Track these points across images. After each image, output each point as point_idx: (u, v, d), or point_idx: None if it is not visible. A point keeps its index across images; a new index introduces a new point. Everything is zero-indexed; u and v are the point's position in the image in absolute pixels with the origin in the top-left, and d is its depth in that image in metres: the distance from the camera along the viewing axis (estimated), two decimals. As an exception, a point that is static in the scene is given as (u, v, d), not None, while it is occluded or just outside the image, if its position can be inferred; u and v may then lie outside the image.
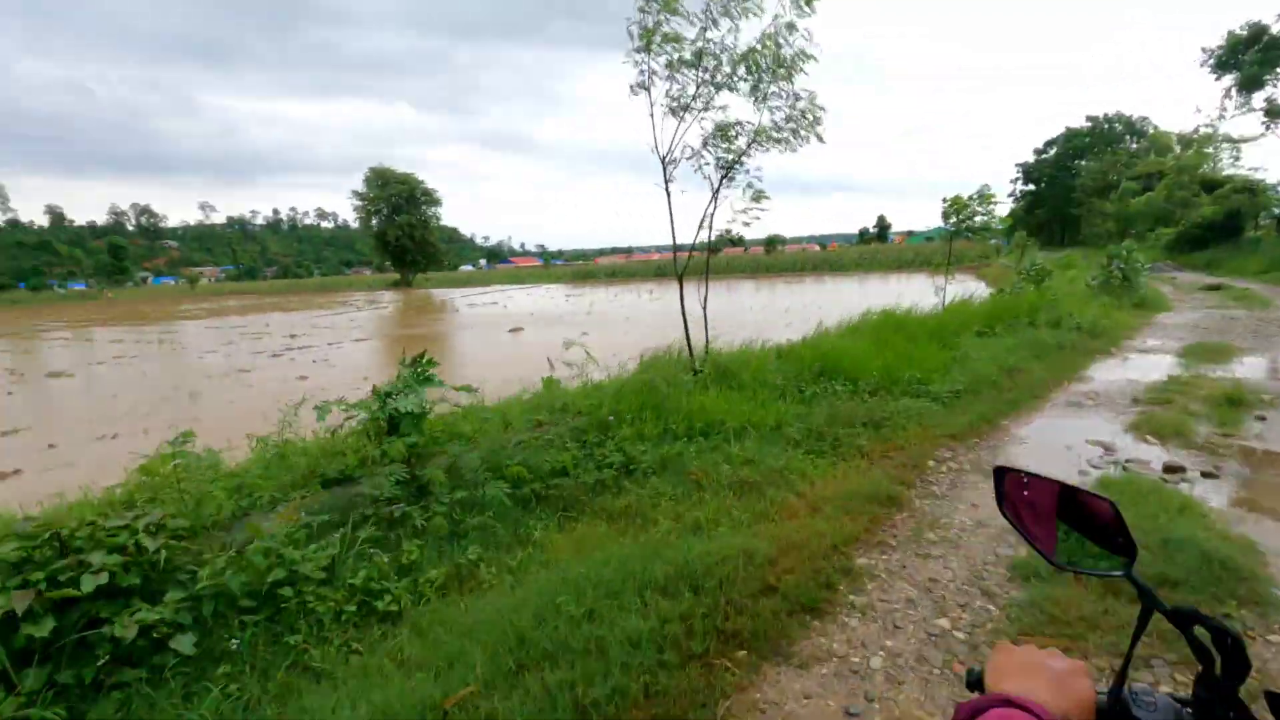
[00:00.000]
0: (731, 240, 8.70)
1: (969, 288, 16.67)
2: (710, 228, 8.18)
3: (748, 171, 7.92)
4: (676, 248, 8.43)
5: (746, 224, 8.13)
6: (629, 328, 23.81)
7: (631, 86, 7.60)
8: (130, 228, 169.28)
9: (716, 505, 4.48)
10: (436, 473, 4.15)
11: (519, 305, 37.10)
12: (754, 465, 5.15)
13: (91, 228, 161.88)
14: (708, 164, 7.96)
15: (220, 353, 23.56)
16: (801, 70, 7.44)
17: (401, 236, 59.50)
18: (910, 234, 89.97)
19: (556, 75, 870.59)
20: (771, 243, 71.16)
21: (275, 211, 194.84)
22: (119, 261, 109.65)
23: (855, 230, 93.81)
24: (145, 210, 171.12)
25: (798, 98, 7.52)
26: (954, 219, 11.00)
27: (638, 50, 7.34)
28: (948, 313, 10.81)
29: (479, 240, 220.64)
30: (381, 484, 4.09)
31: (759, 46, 7.27)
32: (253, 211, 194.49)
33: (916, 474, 5.15)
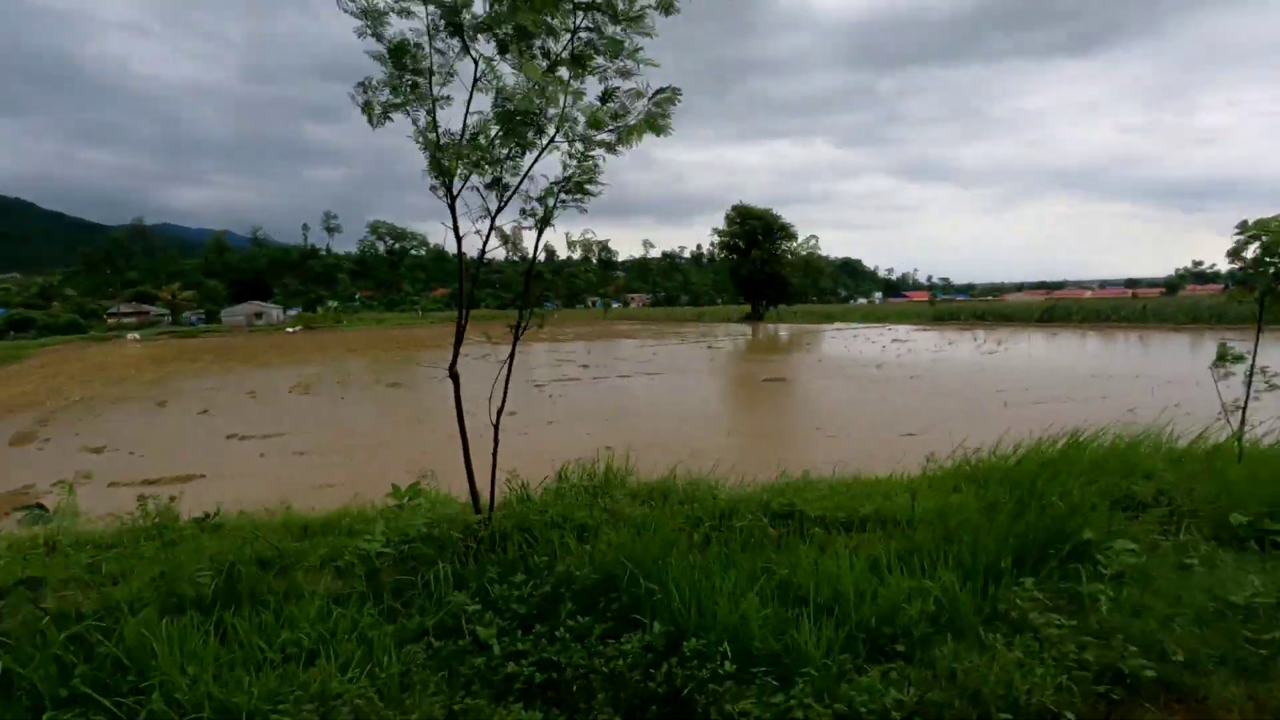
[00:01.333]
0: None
1: None
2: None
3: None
4: (460, 287, 5.37)
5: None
6: (873, 393, 18.85)
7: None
8: (594, 261, 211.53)
9: None
10: None
11: (833, 348, 33.10)
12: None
13: (568, 261, 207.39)
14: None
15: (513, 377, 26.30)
16: None
17: (754, 271, 59.88)
18: None
19: (989, 94, 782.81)
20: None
21: (698, 246, 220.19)
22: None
23: None
24: (605, 247, 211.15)
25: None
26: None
27: None
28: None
29: (882, 272, 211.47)
30: None
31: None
32: (680, 246, 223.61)
33: None
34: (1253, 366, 5.05)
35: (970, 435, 7.67)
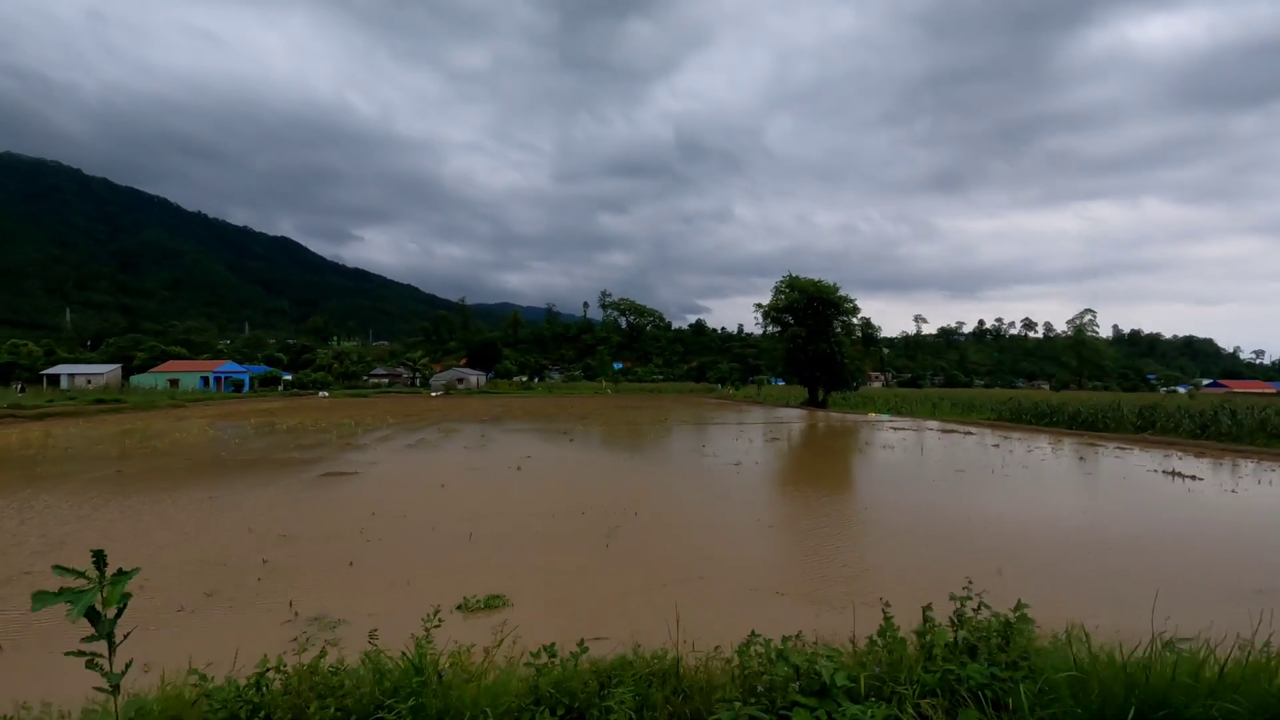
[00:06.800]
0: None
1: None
2: None
3: None
4: None
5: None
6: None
7: None
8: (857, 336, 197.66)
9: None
10: None
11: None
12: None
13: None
14: None
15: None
16: None
17: (795, 350, 49.95)
18: None
19: None
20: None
21: (980, 322, 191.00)
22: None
23: None
24: (866, 322, 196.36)
25: None
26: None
27: None
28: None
29: (1245, 354, 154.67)
30: None
31: None
32: (959, 323, 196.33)
33: None
34: None
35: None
